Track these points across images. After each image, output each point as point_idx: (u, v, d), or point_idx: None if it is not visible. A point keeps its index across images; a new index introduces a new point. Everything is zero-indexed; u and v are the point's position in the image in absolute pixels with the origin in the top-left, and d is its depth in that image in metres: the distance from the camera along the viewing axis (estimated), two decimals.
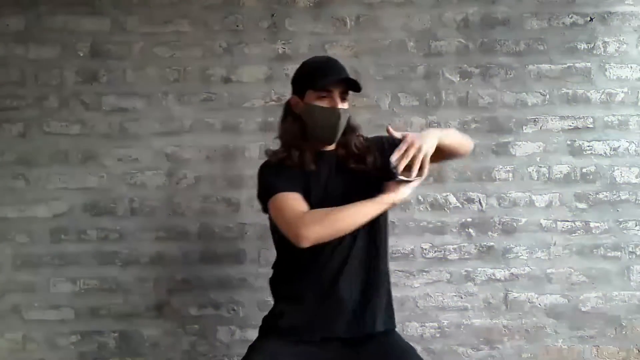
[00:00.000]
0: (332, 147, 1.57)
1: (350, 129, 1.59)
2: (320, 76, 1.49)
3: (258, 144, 2.15)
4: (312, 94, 1.50)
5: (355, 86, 1.50)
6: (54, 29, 2.15)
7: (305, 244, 1.39)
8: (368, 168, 1.53)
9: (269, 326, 1.58)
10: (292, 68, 2.13)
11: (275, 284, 1.63)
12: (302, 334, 1.51)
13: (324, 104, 1.49)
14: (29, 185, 2.13)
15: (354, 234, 1.50)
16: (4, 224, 2.12)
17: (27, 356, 2.11)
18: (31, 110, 2.14)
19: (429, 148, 1.39)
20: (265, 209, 1.54)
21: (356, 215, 1.41)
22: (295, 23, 2.18)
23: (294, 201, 1.45)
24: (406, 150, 1.37)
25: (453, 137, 1.54)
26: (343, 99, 1.51)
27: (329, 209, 1.42)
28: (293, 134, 1.54)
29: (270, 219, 1.56)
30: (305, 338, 1.50)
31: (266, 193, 1.51)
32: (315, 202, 1.47)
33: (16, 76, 2.14)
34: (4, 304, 2.11)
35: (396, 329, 1.61)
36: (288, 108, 1.58)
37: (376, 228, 1.56)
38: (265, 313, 1.61)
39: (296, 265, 1.54)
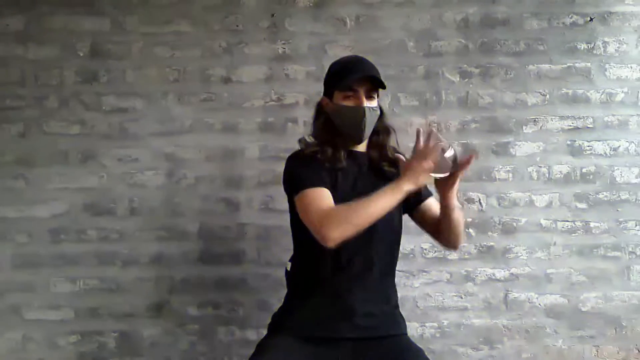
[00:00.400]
0: (364, 147, 1.60)
1: (385, 130, 1.63)
2: (344, 76, 1.53)
3: (258, 144, 2.15)
4: (339, 94, 1.55)
5: (380, 83, 1.53)
6: (54, 29, 2.15)
7: (331, 244, 1.40)
8: (399, 172, 1.53)
9: (279, 323, 1.58)
10: (292, 68, 2.17)
11: (291, 277, 1.63)
12: (312, 331, 1.50)
13: (350, 103, 1.53)
14: (29, 185, 2.13)
15: (377, 239, 1.53)
16: (3, 224, 2.12)
17: (27, 356, 2.11)
18: (31, 110, 2.14)
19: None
20: (290, 199, 1.56)
21: (376, 207, 1.40)
22: (295, 23, 2.18)
23: (320, 200, 1.46)
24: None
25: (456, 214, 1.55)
26: (370, 97, 1.54)
27: (348, 205, 1.42)
28: (325, 132, 1.58)
29: (292, 210, 1.58)
30: (315, 335, 1.50)
31: (294, 186, 1.52)
32: (342, 200, 1.47)
33: (16, 76, 2.14)
34: (4, 303, 2.11)
35: (407, 333, 1.61)
36: (320, 108, 1.62)
37: (396, 233, 1.62)
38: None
39: (314, 262, 1.55)
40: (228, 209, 2.14)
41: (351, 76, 1.52)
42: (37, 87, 2.14)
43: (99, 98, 2.15)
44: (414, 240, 2.15)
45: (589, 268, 2.16)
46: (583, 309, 2.16)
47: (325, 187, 1.49)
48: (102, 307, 2.12)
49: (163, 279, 2.13)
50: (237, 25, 2.17)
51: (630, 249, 2.17)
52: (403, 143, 2.13)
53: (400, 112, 2.17)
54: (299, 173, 1.53)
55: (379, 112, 1.59)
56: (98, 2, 2.16)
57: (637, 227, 2.17)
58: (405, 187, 1.40)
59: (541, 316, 2.15)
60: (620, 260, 2.16)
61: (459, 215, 1.55)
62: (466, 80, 2.19)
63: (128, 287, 2.13)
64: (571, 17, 2.21)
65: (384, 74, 2.14)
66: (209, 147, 2.14)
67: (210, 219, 2.14)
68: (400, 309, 2.09)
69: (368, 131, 1.56)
